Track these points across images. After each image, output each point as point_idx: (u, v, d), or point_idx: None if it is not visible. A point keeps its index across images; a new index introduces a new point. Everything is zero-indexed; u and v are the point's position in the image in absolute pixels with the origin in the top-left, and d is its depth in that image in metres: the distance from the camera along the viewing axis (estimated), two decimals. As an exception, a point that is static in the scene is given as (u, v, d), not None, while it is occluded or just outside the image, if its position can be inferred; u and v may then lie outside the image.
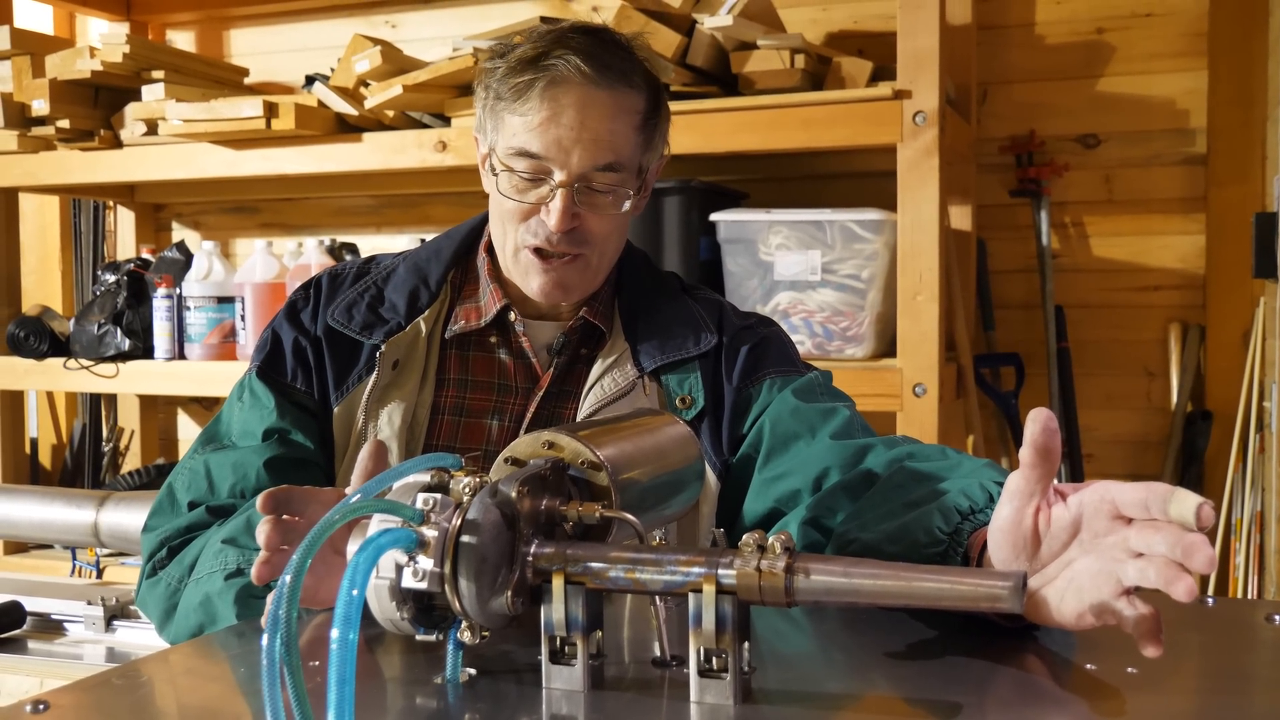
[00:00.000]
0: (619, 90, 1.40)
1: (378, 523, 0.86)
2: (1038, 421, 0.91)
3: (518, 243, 1.44)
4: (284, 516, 1.05)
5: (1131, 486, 0.89)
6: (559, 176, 1.38)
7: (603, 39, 1.42)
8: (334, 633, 0.74)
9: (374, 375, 1.44)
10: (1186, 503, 0.85)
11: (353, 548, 0.87)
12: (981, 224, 2.95)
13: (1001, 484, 1.11)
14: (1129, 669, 0.92)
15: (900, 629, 1.04)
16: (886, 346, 2.54)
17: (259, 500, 1.05)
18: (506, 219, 1.44)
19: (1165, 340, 2.87)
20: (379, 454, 1.11)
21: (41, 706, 0.84)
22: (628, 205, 1.43)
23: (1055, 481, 0.95)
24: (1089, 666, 0.94)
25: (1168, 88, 2.84)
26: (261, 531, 1.04)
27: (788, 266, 2.53)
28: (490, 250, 1.52)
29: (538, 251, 1.42)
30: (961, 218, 2.87)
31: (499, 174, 1.42)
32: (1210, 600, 1.12)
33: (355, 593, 0.76)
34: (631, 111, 1.41)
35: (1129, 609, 0.87)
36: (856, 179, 2.88)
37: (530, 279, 1.45)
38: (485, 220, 1.55)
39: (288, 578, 0.77)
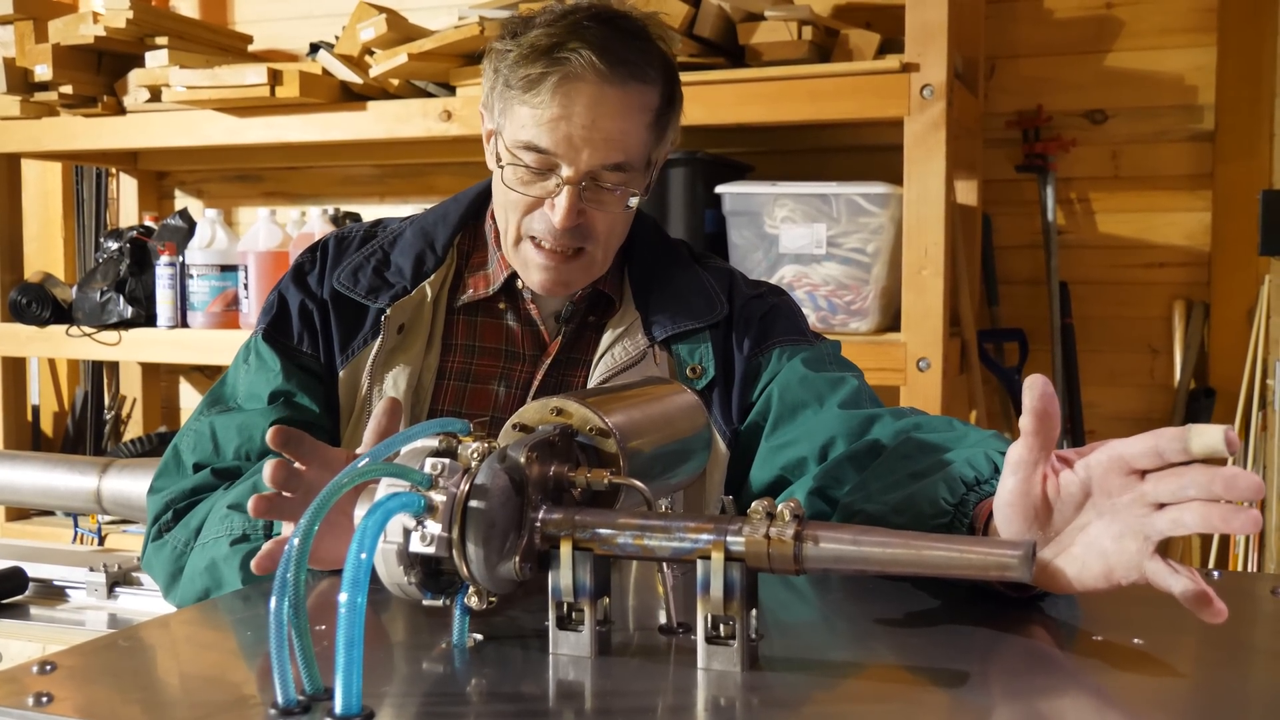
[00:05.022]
0: (631, 87, 1.37)
1: (386, 486, 0.86)
2: (1035, 388, 0.90)
3: (520, 233, 1.42)
4: (291, 465, 1.08)
5: (1138, 438, 0.88)
6: (566, 173, 1.36)
7: (619, 28, 1.38)
8: (342, 596, 0.74)
9: (379, 339, 1.44)
10: (1209, 434, 0.81)
11: (360, 511, 0.86)
12: (987, 199, 2.94)
13: (1006, 454, 1.11)
14: (1135, 639, 0.92)
15: (906, 599, 1.04)
16: (891, 320, 2.54)
17: (270, 433, 1.07)
18: (510, 208, 1.42)
19: (1169, 317, 2.86)
20: (393, 411, 1.12)
21: (49, 667, 0.85)
22: (633, 202, 1.42)
23: (1060, 449, 0.95)
24: (1095, 637, 0.94)
25: (1176, 64, 2.82)
26: (267, 468, 1.05)
27: (793, 239, 2.53)
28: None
29: (540, 245, 1.41)
30: (967, 192, 2.86)
31: (505, 165, 1.40)
32: (1215, 574, 1.12)
33: (364, 556, 0.76)
34: (644, 109, 1.39)
35: (1174, 580, 0.85)
36: (863, 152, 2.86)
37: (530, 272, 1.44)
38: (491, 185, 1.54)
39: (296, 541, 0.77)
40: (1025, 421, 0.91)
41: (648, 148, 1.41)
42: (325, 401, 1.45)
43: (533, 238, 1.41)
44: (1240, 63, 2.77)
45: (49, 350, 3.26)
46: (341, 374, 1.45)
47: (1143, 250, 2.88)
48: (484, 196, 1.55)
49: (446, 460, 0.86)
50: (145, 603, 2.69)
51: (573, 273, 1.43)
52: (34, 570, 2.77)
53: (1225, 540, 2.77)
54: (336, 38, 2.97)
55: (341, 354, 1.45)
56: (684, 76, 1.53)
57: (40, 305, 3.12)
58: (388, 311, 1.44)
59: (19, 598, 2.74)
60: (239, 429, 1.39)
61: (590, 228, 1.40)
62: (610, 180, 1.38)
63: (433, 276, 1.47)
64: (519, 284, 1.48)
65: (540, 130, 1.35)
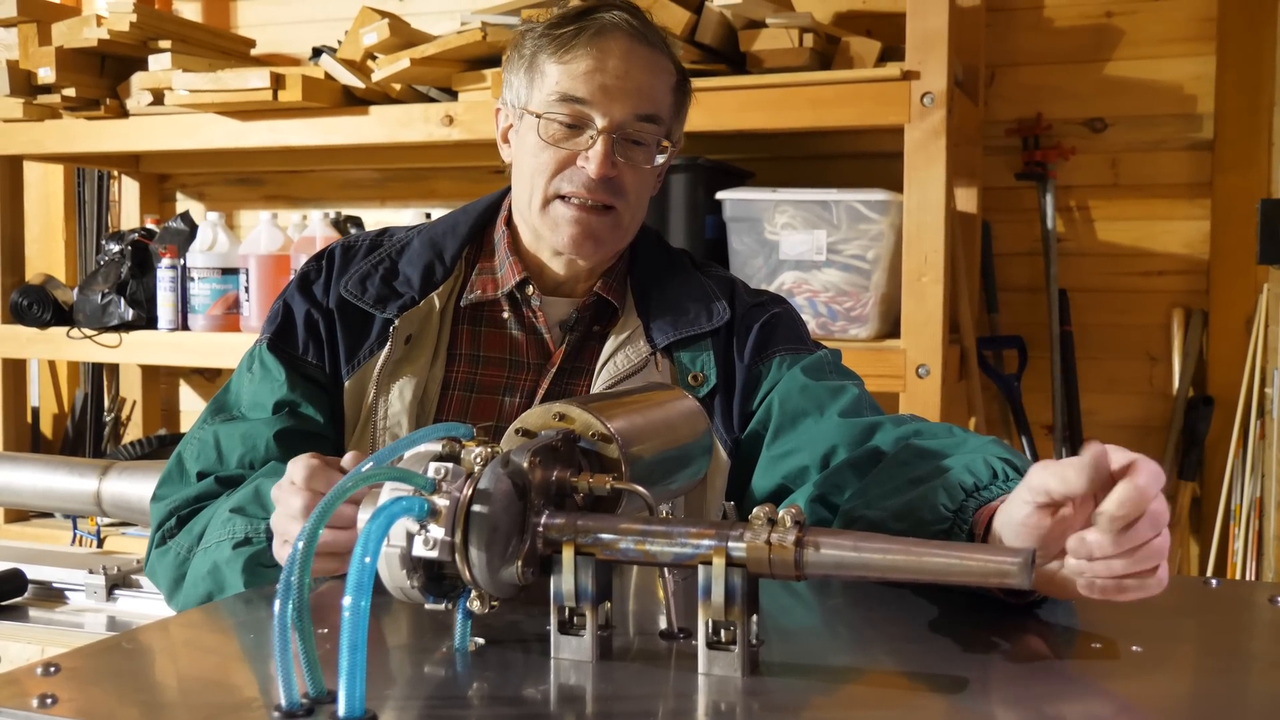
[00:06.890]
0: (658, 51, 1.45)
1: (389, 491, 0.87)
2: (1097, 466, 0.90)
3: (549, 193, 1.44)
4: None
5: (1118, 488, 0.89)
6: (600, 123, 1.40)
7: (638, 14, 1.46)
8: (346, 599, 0.75)
9: (386, 349, 1.44)
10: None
11: (364, 515, 0.87)
12: (987, 206, 2.94)
13: (1006, 459, 1.11)
14: (1134, 647, 0.92)
15: (906, 605, 1.05)
16: (890, 327, 2.54)
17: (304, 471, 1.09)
18: (539, 171, 1.44)
19: (1168, 325, 2.87)
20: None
21: (53, 669, 0.85)
22: (660, 160, 1.46)
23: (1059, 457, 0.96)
24: (1094, 644, 0.95)
25: (1176, 73, 2.83)
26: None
27: (793, 246, 2.53)
28: (510, 223, 1.52)
29: (571, 201, 1.43)
30: (967, 200, 2.86)
31: (540, 119, 1.42)
32: (1214, 582, 1.13)
33: (368, 560, 0.77)
34: (668, 73, 1.46)
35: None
36: (863, 159, 2.87)
37: (560, 230, 1.44)
38: (502, 196, 1.55)
39: (300, 544, 0.78)
40: (1080, 483, 0.91)
41: (671, 112, 1.47)
42: (330, 411, 1.45)
43: (562, 196, 1.43)
44: (1239, 72, 2.78)
45: (49, 352, 3.26)
46: (347, 384, 1.45)
47: (1142, 258, 2.89)
48: (493, 208, 1.56)
49: (450, 465, 0.87)
50: (144, 605, 2.69)
51: (603, 228, 1.45)
52: (33, 572, 2.77)
53: (1224, 549, 2.77)
54: (339, 42, 2.98)
55: (347, 364, 1.45)
56: (685, 82, 1.54)
57: (41, 307, 3.13)
58: (396, 322, 1.44)
59: (18, 600, 2.74)
60: (243, 438, 1.39)
61: (619, 184, 1.43)
62: (641, 132, 1.43)
63: (441, 288, 1.48)
64: (529, 289, 1.49)
65: (576, 82, 1.40)
